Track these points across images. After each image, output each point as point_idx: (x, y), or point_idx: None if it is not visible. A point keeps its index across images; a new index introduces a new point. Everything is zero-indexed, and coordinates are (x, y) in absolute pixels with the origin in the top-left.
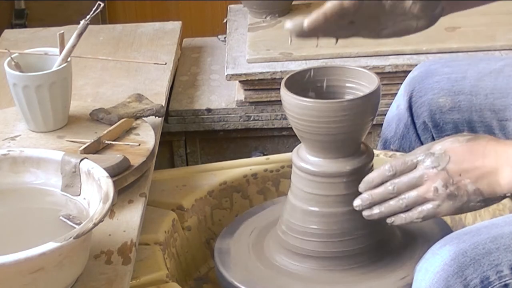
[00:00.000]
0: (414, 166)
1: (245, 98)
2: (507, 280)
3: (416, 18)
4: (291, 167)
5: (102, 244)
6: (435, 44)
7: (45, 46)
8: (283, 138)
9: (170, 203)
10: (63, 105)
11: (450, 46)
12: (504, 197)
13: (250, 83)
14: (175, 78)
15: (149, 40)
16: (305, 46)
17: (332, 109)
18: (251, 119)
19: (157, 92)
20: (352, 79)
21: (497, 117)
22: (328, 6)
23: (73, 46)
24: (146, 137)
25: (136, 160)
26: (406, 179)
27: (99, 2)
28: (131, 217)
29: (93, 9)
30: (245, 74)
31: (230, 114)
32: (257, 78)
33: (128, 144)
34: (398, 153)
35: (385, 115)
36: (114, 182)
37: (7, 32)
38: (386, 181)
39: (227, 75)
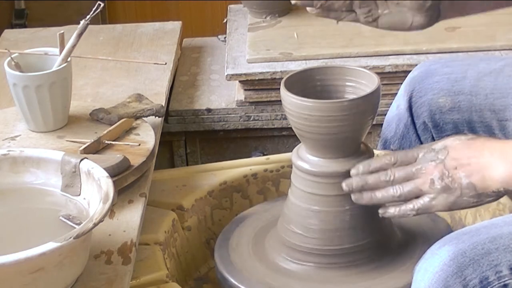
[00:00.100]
0: (414, 160)
1: (245, 98)
2: (506, 280)
3: (411, 12)
4: (291, 167)
5: (102, 244)
6: (435, 44)
7: (45, 46)
8: (283, 138)
9: (170, 203)
10: (63, 105)
11: (450, 46)
12: (498, 196)
13: (250, 83)
14: (175, 78)
15: (149, 40)
16: (305, 46)
17: (332, 109)
18: (251, 119)
19: (157, 92)
20: (352, 79)
21: (497, 117)
22: None
23: (73, 46)
24: (146, 137)
25: (136, 160)
26: (404, 170)
27: (99, 2)
28: (131, 217)
29: (93, 9)
30: (245, 74)
31: (230, 114)
32: (257, 78)
33: (128, 144)
34: None
35: (385, 115)
36: (114, 182)
37: (7, 32)
38: (384, 170)
39: (227, 75)
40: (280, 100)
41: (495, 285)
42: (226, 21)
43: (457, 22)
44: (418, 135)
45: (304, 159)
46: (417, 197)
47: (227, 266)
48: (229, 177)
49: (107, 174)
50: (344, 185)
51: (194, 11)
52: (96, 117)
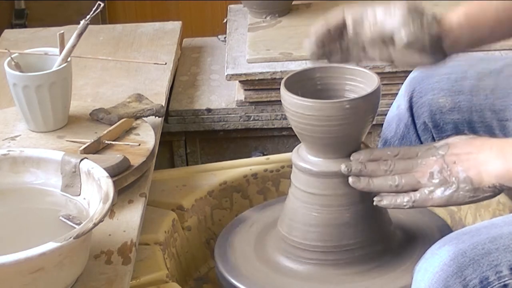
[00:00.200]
0: (415, 155)
1: (245, 98)
2: (506, 280)
3: (417, 54)
4: (291, 167)
5: (102, 244)
6: None
7: (45, 46)
8: (283, 138)
9: (170, 203)
10: (63, 105)
11: None
12: (494, 192)
13: (250, 83)
14: (175, 78)
15: (149, 40)
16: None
17: (332, 109)
18: (251, 119)
19: (157, 92)
20: (352, 78)
21: (497, 117)
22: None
23: (73, 46)
24: (146, 137)
25: (136, 160)
26: (404, 162)
27: (99, 2)
28: (131, 217)
29: (93, 9)
30: (245, 74)
31: (230, 114)
32: (257, 78)
33: (128, 144)
34: None
35: (385, 115)
36: (114, 182)
37: (7, 32)
38: (385, 160)
39: (227, 75)
40: (280, 100)
41: (495, 285)
42: (226, 21)
43: None
44: (418, 135)
45: (304, 159)
46: (414, 190)
47: (227, 266)
48: (229, 177)
49: (107, 174)
50: (343, 166)
51: (194, 11)
52: (96, 117)
